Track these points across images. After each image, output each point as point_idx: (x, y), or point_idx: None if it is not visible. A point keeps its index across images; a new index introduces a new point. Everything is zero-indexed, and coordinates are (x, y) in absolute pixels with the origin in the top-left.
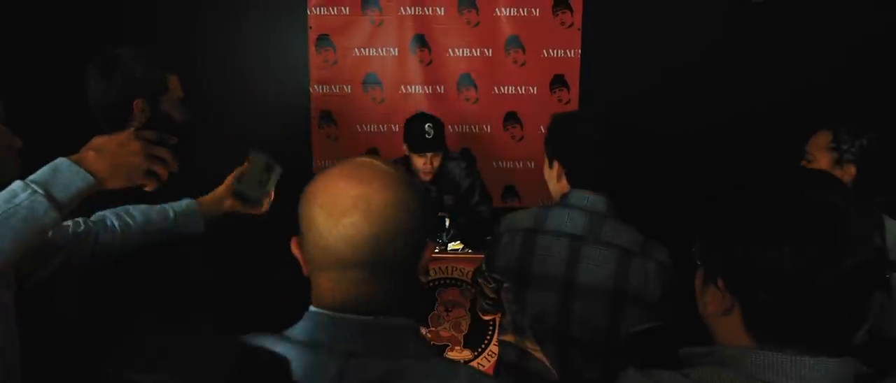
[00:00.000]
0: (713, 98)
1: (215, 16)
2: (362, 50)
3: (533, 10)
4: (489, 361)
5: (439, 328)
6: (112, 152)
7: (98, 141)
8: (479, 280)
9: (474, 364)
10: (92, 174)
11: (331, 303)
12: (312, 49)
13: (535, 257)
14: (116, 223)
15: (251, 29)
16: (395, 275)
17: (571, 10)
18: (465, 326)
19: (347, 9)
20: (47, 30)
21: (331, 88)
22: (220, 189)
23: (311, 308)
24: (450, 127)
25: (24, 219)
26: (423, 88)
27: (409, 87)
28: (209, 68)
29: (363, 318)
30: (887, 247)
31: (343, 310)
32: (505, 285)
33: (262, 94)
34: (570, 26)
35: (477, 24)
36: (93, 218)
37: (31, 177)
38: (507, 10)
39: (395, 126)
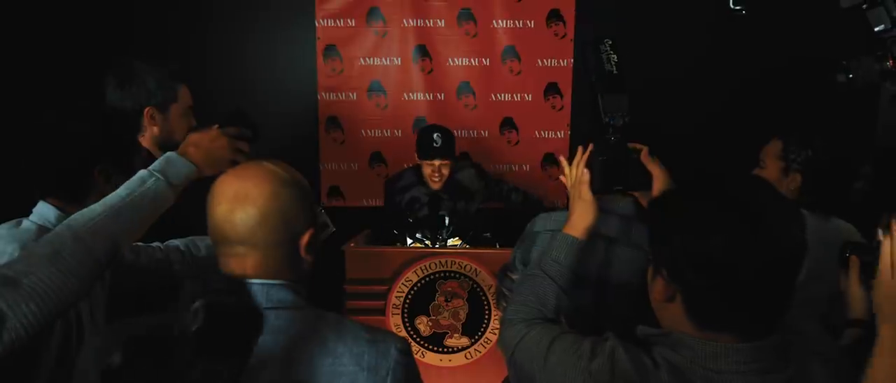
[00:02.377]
0: (696, 104)
1: (229, 27)
2: (367, 59)
3: (528, 22)
4: (485, 348)
5: (439, 317)
6: (206, 147)
7: (194, 137)
8: (507, 274)
9: (471, 350)
10: (194, 164)
11: (225, 272)
12: (320, 58)
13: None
14: (185, 251)
15: (263, 39)
16: (272, 250)
17: (564, 22)
18: (463, 315)
19: (353, 21)
20: (63, 42)
21: (337, 95)
22: None
23: None
24: None
25: (153, 198)
26: (424, 95)
27: (411, 94)
28: (223, 77)
29: (249, 281)
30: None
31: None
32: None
33: (273, 101)
34: (563, 37)
35: (475, 35)
36: (165, 244)
37: (152, 166)
38: (504, 22)
39: (398, 131)
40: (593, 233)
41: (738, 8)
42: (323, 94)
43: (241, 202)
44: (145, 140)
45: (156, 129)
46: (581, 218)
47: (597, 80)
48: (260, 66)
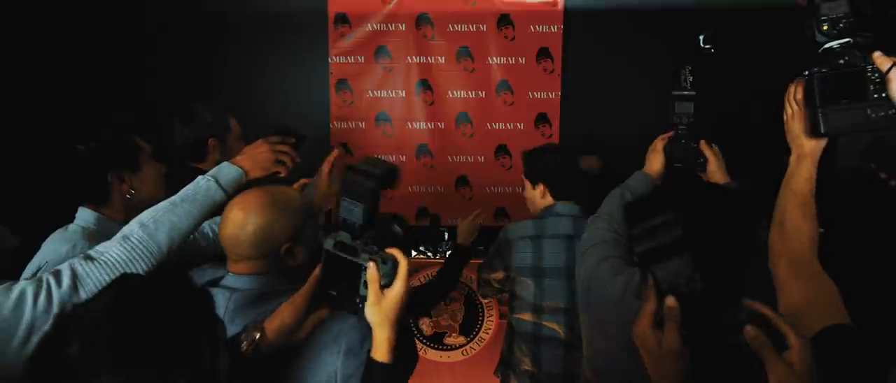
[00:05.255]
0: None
1: (250, 62)
2: (375, 92)
3: (520, 58)
4: (480, 345)
5: (439, 318)
6: (251, 154)
7: (243, 149)
8: (486, 274)
9: (467, 348)
10: (241, 168)
11: (229, 269)
12: (333, 91)
13: (545, 255)
14: (209, 231)
15: (282, 76)
16: (258, 260)
17: (552, 59)
18: (460, 317)
19: (363, 58)
20: (95, 88)
21: (348, 124)
22: None
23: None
24: (449, 157)
25: (205, 195)
26: (426, 124)
27: (414, 123)
28: (244, 109)
29: (243, 276)
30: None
31: (235, 272)
32: (521, 278)
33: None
34: (552, 72)
35: (472, 70)
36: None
37: (208, 173)
38: (498, 59)
39: (402, 157)
40: (554, 235)
41: (707, 47)
42: (335, 123)
43: (239, 226)
44: (209, 165)
45: (217, 155)
46: (656, 163)
47: (673, 91)
48: (278, 98)
